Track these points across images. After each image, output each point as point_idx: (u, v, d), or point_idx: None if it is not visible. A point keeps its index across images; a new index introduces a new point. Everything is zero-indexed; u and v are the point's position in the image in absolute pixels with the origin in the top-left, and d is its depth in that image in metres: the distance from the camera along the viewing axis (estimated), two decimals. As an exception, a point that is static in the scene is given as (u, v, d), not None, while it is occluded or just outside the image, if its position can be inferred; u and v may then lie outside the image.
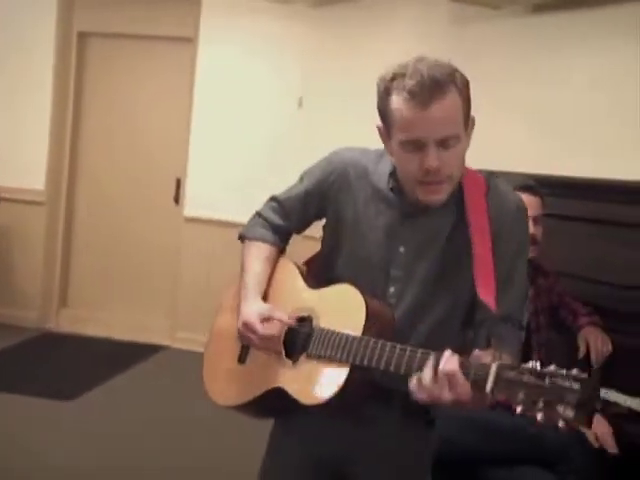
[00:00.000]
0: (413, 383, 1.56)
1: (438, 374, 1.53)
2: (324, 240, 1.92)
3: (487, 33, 4.06)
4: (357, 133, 4.73)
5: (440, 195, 1.70)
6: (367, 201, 1.81)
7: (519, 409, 1.42)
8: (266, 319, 1.81)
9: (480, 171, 1.80)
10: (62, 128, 5.64)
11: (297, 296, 1.87)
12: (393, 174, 1.79)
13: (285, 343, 1.81)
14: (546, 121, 3.75)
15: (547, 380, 1.41)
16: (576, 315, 2.85)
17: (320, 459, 1.85)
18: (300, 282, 1.90)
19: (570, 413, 1.37)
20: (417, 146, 1.65)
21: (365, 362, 1.65)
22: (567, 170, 3.35)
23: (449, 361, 1.53)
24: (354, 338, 1.68)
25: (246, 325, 1.82)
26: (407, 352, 1.61)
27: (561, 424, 1.39)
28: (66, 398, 4.21)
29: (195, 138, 5.34)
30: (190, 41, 5.36)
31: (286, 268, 1.95)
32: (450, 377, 1.51)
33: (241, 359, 1.92)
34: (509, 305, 1.71)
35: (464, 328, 1.77)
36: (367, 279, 1.77)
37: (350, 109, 4.98)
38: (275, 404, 1.82)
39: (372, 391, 1.72)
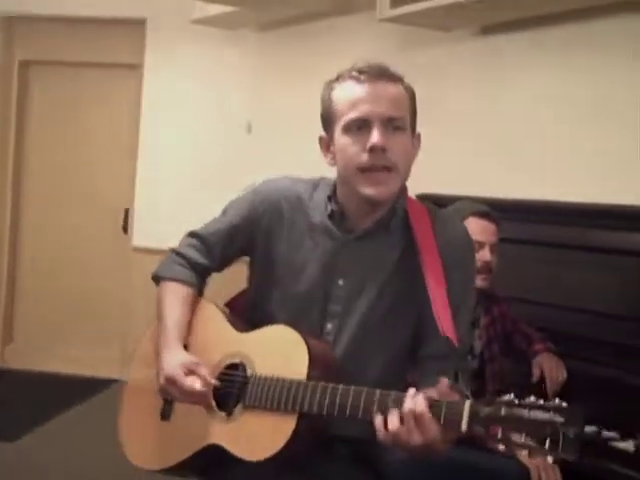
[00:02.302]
0: (378, 424, 1.45)
1: (404, 416, 1.42)
2: (251, 278, 1.80)
3: (438, 55, 4.02)
4: (307, 159, 4.67)
5: (385, 187, 1.60)
6: (302, 233, 1.71)
7: (500, 447, 1.33)
8: (191, 371, 1.65)
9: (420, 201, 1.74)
10: (4, 158, 5.49)
11: (225, 341, 1.72)
12: (332, 197, 1.70)
13: (216, 394, 1.66)
14: (497, 143, 3.71)
15: (526, 413, 1.32)
16: (531, 341, 2.79)
17: None
18: (226, 325, 1.75)
19: (556, 447, 1.28)
20: (362, 125, 1.59)
21: (315, 409, 1.52)
22: (516, 193, 3.30)
23: (416, 401, 1.42)
24: (299, 383, 1.55)
25: (169, 379, 1.66)
26: (363, 394, 1.49)
27: (550, 459, 1.30)
28: (7, 439, 4.02)
29: (142, 167, 5.24)
30: (136, 68, 5.26)
31: (208, 311, 1.81)
32: (418, 419, 1.40)
33: (164, 415, 1.75)
34: (465, 343, 1.67)
35: (406, 365, 1.68)
36: (302, 317, 1.66)
37: (299, 134, 4.91)
38: (209, 463, 1.67)
39: (320, 441, 1.60)
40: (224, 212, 1.84)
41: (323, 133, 1.71)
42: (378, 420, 1.46)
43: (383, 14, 3.73)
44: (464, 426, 1.35)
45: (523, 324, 2.82)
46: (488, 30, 3.79)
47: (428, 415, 1.39)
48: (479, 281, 2.54)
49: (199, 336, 1.76)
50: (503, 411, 1.33)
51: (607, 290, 2.76)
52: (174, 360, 1.67)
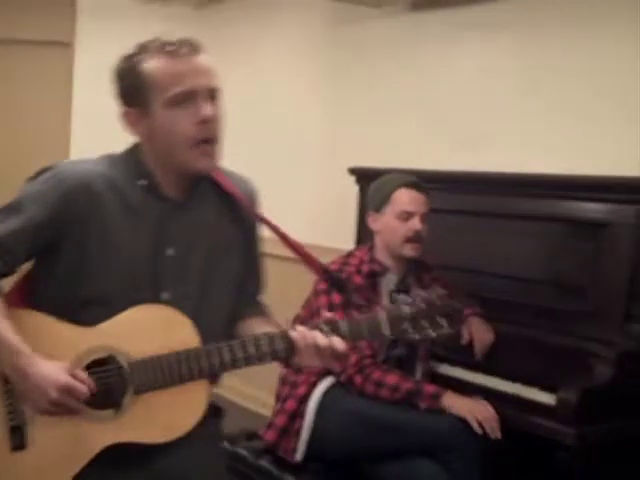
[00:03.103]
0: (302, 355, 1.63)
1: (321, 348, 1.60)
2: (58, 270, 1.65)
3: (369, 31, 4.10)
4: (246, 132, 4.76)
5: (214, 159, 1.65)
6: (120, 212, 1.66)
7: (417, 337, 1.66)
8: (73, 376, 1.54)
9: None
10: None
11: (72, 342, 1.59)
12: (141, 173, 1.69)
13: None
14: (431, 117, 3.81)
15: (422, 305, 1.66)
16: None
17: None
18: (63, 326, 1.61)
19: (445, 322, 1.65)
20: (189, 98, 1.60)
21: (223, 368, 1.62)
22: (445, 164, 3.42)
23: (309, 335, 1.62)
24: (197, 351, 1.60)
25: (64, 389, 1.51)
26: (262, 339, 1.63)
27: (445, 332, 1.65)
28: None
29: (75, 145, 5.22)
30: (67, 45, 5.22)
31: (28, 317, 1.63)
32: (336, 350, 1.61)
33: (17, 445, 1.58)
34: (264, 280, 1.87)
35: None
36: (132, 291, 1.64)
37: (240, 108, 4.96)
38: (112, 467, 1.61)
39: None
40: (19, 208, 1.64)
41: (126, 108, 1.68)
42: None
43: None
44: (387, 331, 1.63)
45: (456, 291, 2.94)
46: (418, 6, 3.89)
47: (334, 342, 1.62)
48: (409, 250, 2.66)
49: (37, 344, 1.57)
50: (406, 309, 1.65)
51: (530, 256, 2.89)
52: (52, 370, 1.53)
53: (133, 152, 1.73)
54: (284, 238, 1.78)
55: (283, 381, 2.69)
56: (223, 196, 1.75)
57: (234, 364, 1.61)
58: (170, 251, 1.68)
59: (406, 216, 2.65)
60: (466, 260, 3.05)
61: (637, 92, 2.98)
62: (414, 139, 3.79)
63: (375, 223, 2.72)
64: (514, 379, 2.68)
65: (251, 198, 1.81)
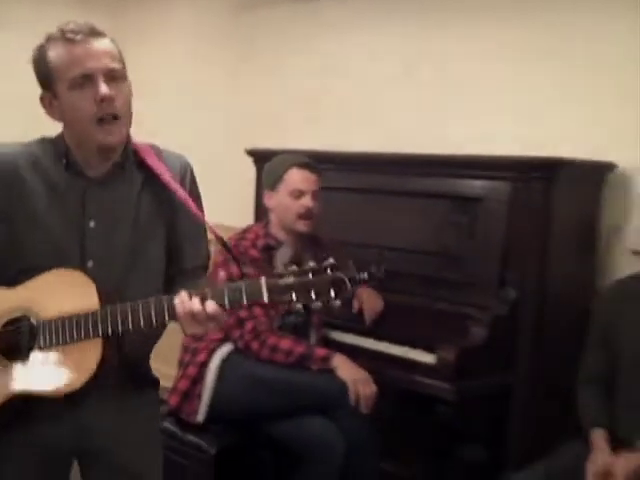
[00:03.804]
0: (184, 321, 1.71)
1: (195, 314, 1.69)
2: None
3: (270, 17, 4.27)
4: (150, 125, 4.83)
5: (117, 135, 1.77)
6: (45, 191, 1.80)
7: (298, 306, 1.67)
8: None
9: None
10: None
11: None
12: (63, 153, 1.82)
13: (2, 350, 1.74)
14: (327, 101, 4.01)
15: (310, 275, 1.67)
16: (352, 278, 3.12)
17: (56, 448, 1.83)
18: None
19: (332, 293, 1.67)
20: (87, 80, 1.73)
21: (119, 327, 1.72)
22: (347, 146, 3.63)
23: (187, 302, 1.69)
24: (95, 312, 1.73)
25: None
26: (153, 302, 1.71)
27: (337, 303, 1.68)
28: None
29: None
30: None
31: None
32: (209, 315, 1.68)
33: None
34: (204, 255, 1.94)
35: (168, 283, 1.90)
36: (62, 262, 1.78)
37: (141, 102, 5.04)
38: (19, 414, 1.77)
39: (118, 363, 1.79)
40: None
41: (41, 93, 1.81)
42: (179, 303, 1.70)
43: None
44: (265, 298, 1.66)
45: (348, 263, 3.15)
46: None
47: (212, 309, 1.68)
48: (302, 226, 2.85)
49: None
50: (291, 279, 1.66)
51: (416, 230, 3.12)
52: None
53: (61, 134, 1.86)
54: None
55: (185, 349, 2.85)
56: (149, 173, 1.86)
57: (124, 326, 1.72)
58: (91, 224, 1.81)
59: (298, 194, 2.83)
60: (359, 235, 3.25)
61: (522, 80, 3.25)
62: (311, 122, 3.98)
63: (270, 201, 2.90)
64: (401, 343, 2.91)
65: (180, 173, 1.90)
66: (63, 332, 1.73)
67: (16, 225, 1.78)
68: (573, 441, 2.56)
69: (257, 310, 2.72)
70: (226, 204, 4.07)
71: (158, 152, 1.91)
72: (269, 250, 2.83)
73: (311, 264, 1.69)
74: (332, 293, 1.67)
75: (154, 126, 4.76)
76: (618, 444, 2.45)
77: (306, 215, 2.84)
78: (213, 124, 4.55)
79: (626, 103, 2.99)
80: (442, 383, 2.66)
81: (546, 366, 2.86)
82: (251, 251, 2.78)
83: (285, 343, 2.71)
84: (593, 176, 3.04)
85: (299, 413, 2.68)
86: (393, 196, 3.25)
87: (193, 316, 1.69)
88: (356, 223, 3.29)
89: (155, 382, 1.98)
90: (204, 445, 2.67)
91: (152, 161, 1.86)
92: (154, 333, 1.87)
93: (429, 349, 2.77)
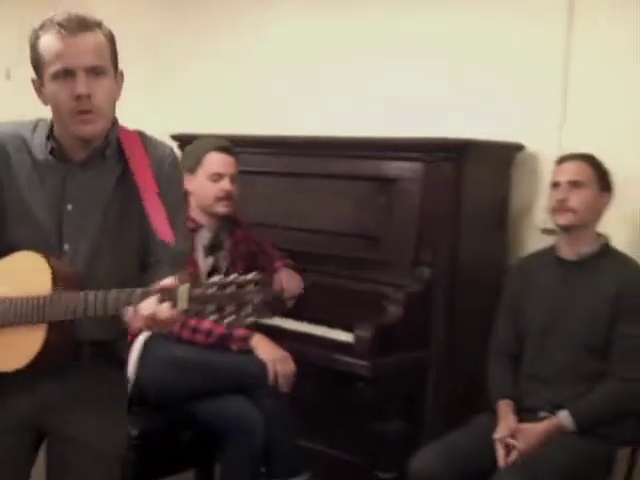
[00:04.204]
0: (129, 316, 1.75)
1: (147, 318, 1.72)
2: None
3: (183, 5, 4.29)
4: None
5: (92, 126, 1.83)
6: (29, 171, 1.89)
7: (212, 318, 1.65)
8: None
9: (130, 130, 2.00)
10: None
11: None
12: (50, 137, 1.91)
13: None
14: (250, 84, 4.05)
15: (232, 288, 1.65)
16: (272, 259, 3.18)
17: (20, 422, 1.91)
18: None
19: (253, 311, 1.64)
20: (68, 75, 1.80)
21: (62, 316, 1.78)
22: (267, 129, 3.66)
23: (146, 304, 1.72)
24: (44, 296, 1.79)
25: None
26: (114, 294, 1.76)
27: (247, 320, 1.66)
28: None
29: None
30: None
31: None
32: (162, 318, 1.70)
33: None
34: (181, 243, 1.94)
35: (141, 272, 1.95)
36: (42, 243, 1.86)
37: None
38: None
39: (69, 345, 1.85)
40: None
41: (33, 77, 1.89)
42: (130, 311, 1.75)
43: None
44: (183, 306, 1.67)
45: (267, 245, 3.21)
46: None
47: (165, 307, 1.69)
48: (221, 207, 2.90)
49: None
50: (212, 290, 1.66)
51: (336, 212, 3.19)
52: None
53: (52, 118, 1.92)
54: None
55: (107, 334, 2.88)
56: (126, 162, 1.91)
57: (69, 314, 1.78)
58: (69, 207, 1.88)
59: (216, 177, 2.88)
60: (280, 217, 3.33)
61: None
62: (234, 106, 4.02)
63: (189, 184, 2.92)
64: (320, 323, 2.99)
65: (160, 162, 1.95)
66: (12, 313, 1.81)
67: (2, 202, 1.88)
68: (483, 413, 2.67)
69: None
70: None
71: (144, 140, 1.96)
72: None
73: (233, 277, 1.68)
74: (251, 311, 1.65)
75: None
76: (523, 414, 2.57)
77: (225, 197, 2.89)
78: (136, 108, 4.53)
79: (533, 90, 3.11)
80: (359, 360, 2.74)
81: (460, 341, 2.96)
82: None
83: (205, 324, 2.75)
84: (502, 156, 3.15)
85: (220, 393, 2.72)
86: (314, 178, 3.32)
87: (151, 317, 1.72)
88: (279, 206, 3.35)
89: (120, 363, 2.05)
90: (127, 427, 2.70)
91: (134, 151, 1.90)
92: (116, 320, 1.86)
93: (348, 328, 2.85)
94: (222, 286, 1.66)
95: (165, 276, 1.77)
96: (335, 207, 3.20)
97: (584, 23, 3.02)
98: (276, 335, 2.91)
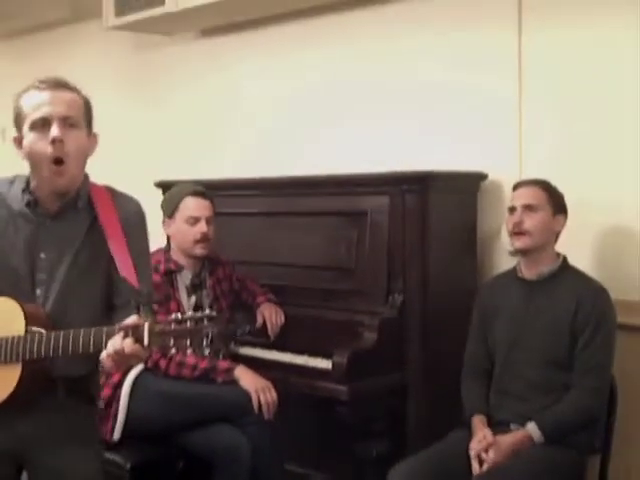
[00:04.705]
0: (103, 357, 1.93)
1: (114, 354, 1.89)
2: None
3: (163, 57, 4.51)
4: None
5: (65, 178, 2.03)
6: (6, 222, 2.07)
7: (173, 351, 1.94)
8: None
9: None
10: None
11: None
12: (26, 190, 2.09)
13: None
14: (221, 132, 4.28)
15: (189, 324, 1.87)
16: (255, 295, 3.35)
17: (0, 454, 2.06)
18: None
19: (208, 343, 1.88)
20: (45, 123, 2.00)
21: (36, 355, 1.94)
22: (242, 173, 3.87)
23: (112, 342, 1.90)
24: (19, 337, 1.96)
25: None
26: (82, 333, 1.93)
27: (207, 352, 1.87)
28: None
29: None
30: None
31: None
32: (128, 353, 1.88)
33: None
34: (145, 286, 2.12)
35: (108, 313, 2.12)
36: (16, 289, 2.03)
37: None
38: None
39: (43, 382, 2.01)
40: None
41: (15, 133, 2.09)
42: (105, 353, 1.92)
43: (109, 22, 4.14)
44: (146, 341, 1.86)
45: (250, 281, 3.38)
46: (208, 33, 4.32)
47: (128, 342, 1.88)
48: (199, 249, 3.07)
49: None
50: (172, 326, 1.87)
51: (310, 247, 3.35)
52: None
53: (29, 173, 2.11)
54: None
55: (100, 372, 3.03)
56: (95, 215, 2.09)
57: (40, 352, 1.95)
58: (42, 255, 2.06)
59: (193, 221, 3.05)
60: (259, 254, 3.49)
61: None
62: (210, 153, 4.24)
63: (169, 228, 3.11)
64: (301, 352, 3.14)
65: (127, 215, 2.13)
66: None
67: None
68: (459, 429, 2.81)
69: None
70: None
71: (113, 194, 2.15)
72: (171, 274, 3.03)
73: (190, 313, 1.92)
74: (205, 343, 1.89)
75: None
76: (495, 428, 2.71)
77: (202, 239, 3.05)
78: (126, 160, 4.77)
79: (493, 125, 3.31)
80: (337, 385, 2.88)
81: (435, 361, 3.10)
82: (154, 276, 2.97)
83: (190, 359, 2.91)
84: (467, 186, 3.32)
85: (207, 423, 2.87)
86: (288, 216, 3.49)
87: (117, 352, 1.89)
88: (257, 244, 3.52)
89: (91, 398, 2.20)
90: (120, 461, 2.84)
91: (103, 205, 2.09)
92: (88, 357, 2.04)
93: (327, 356, 2.99)
94: (180, 322, 1.87)
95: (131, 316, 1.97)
96: (309, 242, 3.36)
97: (534, 70, 3.21)
98: (262, 366, 3.07)
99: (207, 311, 1.89)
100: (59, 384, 2.07)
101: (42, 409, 2.05)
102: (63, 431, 2.09)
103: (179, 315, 1.89)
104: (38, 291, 2.05)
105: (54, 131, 2.00)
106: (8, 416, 2.02)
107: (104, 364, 1.97)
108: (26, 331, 1.98)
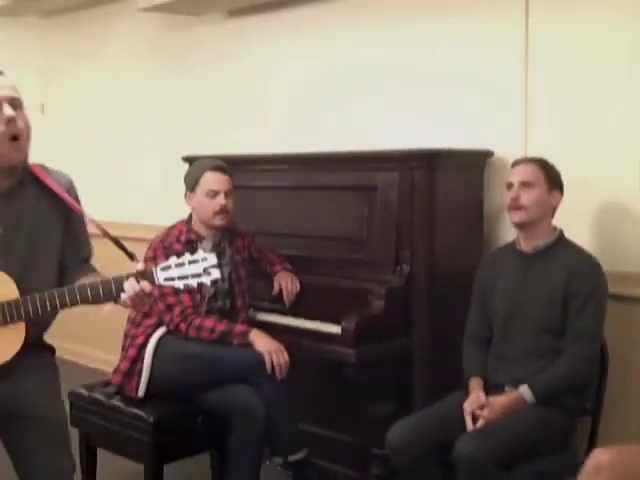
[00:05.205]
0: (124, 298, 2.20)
1: (134, 295, 2.19)
2: None
3: (193, 36, 4.72)
4: (98, 136, 5.33)
5: (22, 152, 2.26)
6: None
7: (182, 286, 2.20)
8: None
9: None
10: None
11: None
12: None
13: None
14: (252, 109, 4.47)
15: (187, 263, 2.20)
16: (272, 264, 3.56)
17: None
18: None
19: (207, 277, 2.21)
20: None
21: (41, 311, 2.19)
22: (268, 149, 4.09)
23: (129, 286, 2.20)
24: (16, 299, 2.20)
25: None
26: (88, 285, 2.21)
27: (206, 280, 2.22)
28: None
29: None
30: None
31: None
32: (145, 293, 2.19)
33: None
34: (89, 248, 2.46)
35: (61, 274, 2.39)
36: None
37: (88, 113, 5.51)
38: None
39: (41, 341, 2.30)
40: None
41: None
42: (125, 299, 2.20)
43: (142, 4, 4.36)
44: (162, 279, 2.21)
45: (268, 251, 3.59)
46: (234, 13, 4.52)
47: (145, 283, 2.20)
48: (218, 221, 3.27)
49: None
50: (173, 267, 2.20)
51: (324, 219, 3.55)
52: None
53: None
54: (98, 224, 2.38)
55: (126, 335, 3.28)
56: (43, 187, 2.34)
57: (44, 309, 2.20)
58: (0, 229, 2.27)
59: (213, 194, 3.26)
60: (278, 226, 3.71)
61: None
62: (232, 128, 4.50)
63: (190, 201, 3.32)
64: (313, 318, 3.35)
65: (66, 186, 2.40)
66: None
67: None
68: (458, 391, 3.01)
69: (184, 296, 3.15)
70: (166, 207, 4.49)
71: (47, 170, 2.38)
72: (191, 243, 3.24)
73: (188, 255, 2.24)
74: (204, 276, 2.22)
75: (103, 137, 5.27)
76: (492, 390, 2.90)
77: (221, 211, 3.26)
78: (154, 137, 5.01)
79: (501, 101, 3.48)
80: (345, 349, 3.09)
81: (440, 329, 3.29)
82: (175, 245, 3.20)
83: (209, 322, 3.14)
84: (474, 163, 3.49)
85: (224, 383, 3.10)
86: (304, 190, 3.70)
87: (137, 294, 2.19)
88: (275, 216, 3.73)
89: (52, 349, 2.46)
90: (144, 415, 3.08)
91: (45, 177, 2.33)
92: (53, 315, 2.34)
93: (337, 322, 3.19)
94: (180, 264, 2.20)
95: (89, 269, 2.38)
96: (324, 215, 3.57)
97: (540, 52, 3.36)
98: (277, 331, 3.29)
99: (200, 252, 2.23)
100: (28, 340, 2.27)
101: (20, 367, 2.26)
102: (35, 384, 2.34)
103: (176, 258, 2.21)
104: (0, 261, 2.25)
105: (8, 111, 2.21)
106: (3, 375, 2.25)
107: (124, 304, 2.24)
108: (20, 294, 2.21)
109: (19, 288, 2.23)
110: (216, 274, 2.23)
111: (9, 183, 2.30)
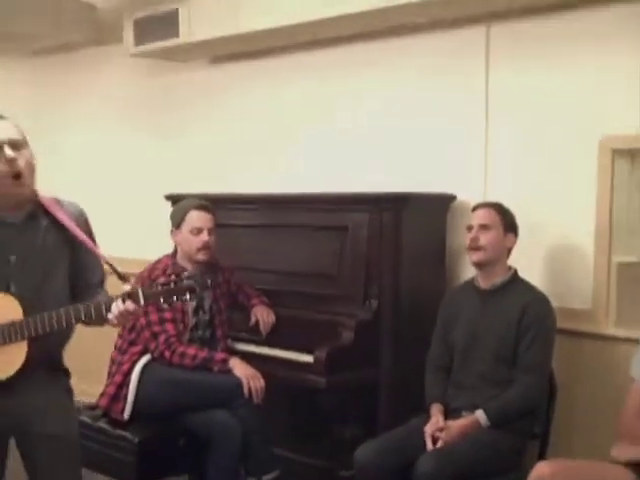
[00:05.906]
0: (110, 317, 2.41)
1: (119, 315, 2.40)
2: None
3: (178, 81, 5.02)
4: (85, 176, 5.56)
5: (24, 188, 2.44)
6: None
7: (165, 306, 2.47)
8: None
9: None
10: None
11: None
12: None
13: None
14: (230, 151, 4.76)
15: (172, 285, 2.44)
16: (250, 297, 3.82)
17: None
18: None
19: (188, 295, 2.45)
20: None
21: (41, 331, 2.37)
22: (241, 188, 4.36)
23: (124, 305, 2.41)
24: (20, 320, 2.39)
25: None
26: (82, 306, 2.40)
27: (185, 299, 2.45)
28: None
29: None
30: None
31: None
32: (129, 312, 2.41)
33: None
34: (99, 274, 2.63)
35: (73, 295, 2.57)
36: None
37: (75, 143, 5.73)
38: None
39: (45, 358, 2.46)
40: None
41: None
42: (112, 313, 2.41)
43: (130, 50, 4.63)
44: (142, 302, 2.41)
45: (246, 286, 3.84)
46: (217, 60, 4.81)
47: (129, 304, 2.40)
48: (201, 256, 3.52)
49: None
50: (158, 288, 2.44)
51: (298, 256, 3.82)
52: None
53: None
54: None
55: (112, 362, 3.52)
56: (53, 219, 2.54)
57: (50, 327, 2.39)
58: (12, 258, 2.47)
59: (196, 231, 3.51)
60: (255, 261, 3.97)
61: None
62: (217, 169, 4.74)
63: (176, 237, 3.58)
64: (288, 348, 3.60)
65: (77, 218, 2.59)
66: None
67: None
68: (420, 415, 3.27)
69: (168, 325, 3.39)
70: (150, 242, 4.70)
71: (59, 203, 2.59)
72: (176, 277, 3.48)
73: (173, 278, 2.53)
74: (187, 295, 2.47)
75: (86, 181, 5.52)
76: (450, 415, 3.17)
77: (204, 247, 3.51)
78: (139, 176, 5.27)
79: (464, 151, 3.79)
80: (317, 377, 3.34)
81: (405, 359, 3.55)
82: (161, 278, 3.43)
83: (191, 350, 3.38)
84: (438, 206, 3.78)
85: (205, 406, 3.34)
86: (280, 229, 3.97)
87: (121, 313, 2.41)
88: (254, 252, 3.99)
89: (66, 372, 2.63)
90: (129, 436, 3.31)
91: (55, 210, 2.54)
92: (67, 334, 2.55)
93: (310, 352, 3.43)
94: (164, 284, 2.46)
95: (101, 291, 2.57)
96: (298, 252, 3.83)
97: (499, 107, 3.69)
98: (254, 360, 3.53)
99: (185, 273, 2.54)
100: (42, 361, 2.47)
101: (29, 385, 2.45)
102: (45, 398, 2.50)
103: (163, 279, 2.48)
104: (12, 287, 2.44)
105: (9, 153, 2.40)
106: (5, 392, 2.42)
107: (111, 323, 2.45)
108: (25, 316, 2.40)
109: (32, 313, 2.41)
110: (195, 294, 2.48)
111: (20, 215, 2.49)
